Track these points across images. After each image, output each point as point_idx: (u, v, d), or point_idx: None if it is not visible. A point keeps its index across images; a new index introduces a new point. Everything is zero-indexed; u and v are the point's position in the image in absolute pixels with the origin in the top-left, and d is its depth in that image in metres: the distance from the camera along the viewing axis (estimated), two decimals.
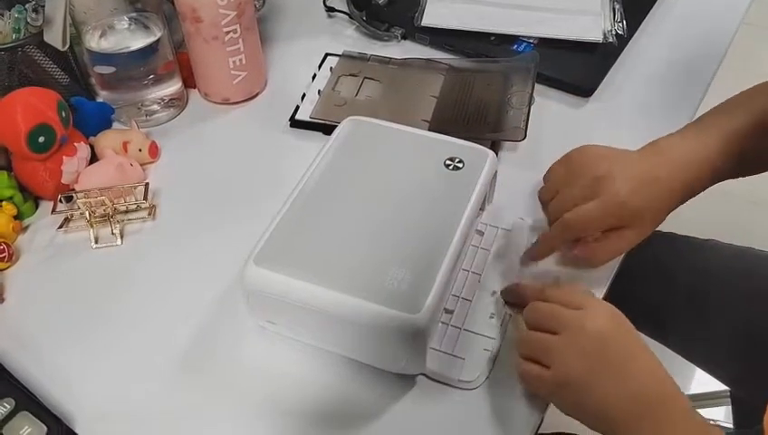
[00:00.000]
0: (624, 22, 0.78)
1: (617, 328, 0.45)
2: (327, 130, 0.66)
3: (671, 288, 0.73)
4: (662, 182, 0.53)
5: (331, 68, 0.74)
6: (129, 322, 0.54)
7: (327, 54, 0.76)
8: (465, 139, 0.56)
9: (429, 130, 0.63)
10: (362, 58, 0.75)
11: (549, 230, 0.55)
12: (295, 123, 0.68)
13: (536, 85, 0.73)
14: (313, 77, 0.73)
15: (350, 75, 0.72)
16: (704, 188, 0.55)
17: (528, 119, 0.65)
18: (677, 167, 0.54)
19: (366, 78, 0.72)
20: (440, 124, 0.65)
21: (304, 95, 0.71)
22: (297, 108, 0.70)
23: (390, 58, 0.75)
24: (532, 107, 0.67)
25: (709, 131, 0.55)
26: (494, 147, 0.64)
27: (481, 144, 0.56)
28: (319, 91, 0.71)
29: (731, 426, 0.90)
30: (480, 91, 0.70)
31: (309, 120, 0.68)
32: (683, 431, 0.43)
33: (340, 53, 0.76)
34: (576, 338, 0.44)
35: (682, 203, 0.55)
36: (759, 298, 0.67)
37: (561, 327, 0.45)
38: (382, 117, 0.59)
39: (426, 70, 0.73)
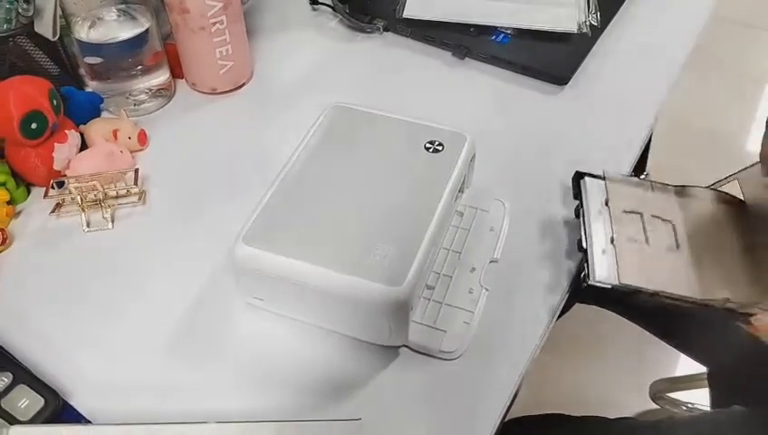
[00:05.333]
0: (598, 13, 0.81)
1: None
2: (627, 300, 0.50)
3: None
4: None
5: (606, 201, 0.55)
6: (122, 301, 0.55)
7: (581, 175, 0.57)
8: None
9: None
10: (632, 182, 0.57)
11: None
12: (589, 291, 0.49)
13: (513, 74, 0.76)
14: (577, 213, 0.53)
15: (633, 212, 0.55)
16: None
17: None
18: None
19: (651, 216, 0.55)
20: None
21: (585, 256, 0.50)
22: (587, 267, 0.48)
23: (662, 184, 0.58)
24: None
25: None
26: None
27: None
28: (612, 239, 0.51)
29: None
30: None
31: (616, 285, 0.48)
32: None
33: (600, 175, 0.57)
34: None
35: None
36: None
37: None
38: (709, 291, 0.47)
39: (717, 205, 0.56)
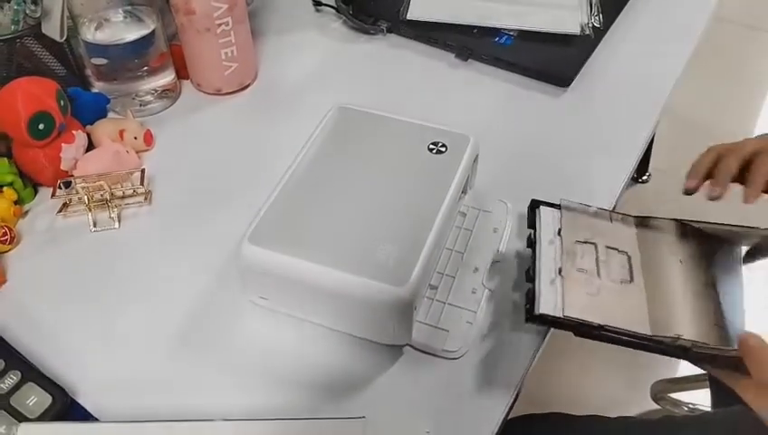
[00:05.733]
0: (601, 15, 0.81)
1: None
2: (578, 330, 0.47)
3: None
4: None
5: (559, 230, 0.53)
6: (128, 300, 0.56)
7: (537, 203, 0.56)
8: None
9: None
10: (589, 212, 0.55)
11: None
12: (537, 319, 0.47)
13: (516, 76, 0.77)
14: (530, 242, 0.52)
15: (586, 242, 0.53)
16: None
17: None
18: None
19: (607, 247, 0.52)
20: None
21: (533, 287, 0.49)
22: (533, 298, 0.48)
23: (620, 214, 0.56)
24: None
25: None
26: None
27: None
28: (560, 270, 0.50)
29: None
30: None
31: (560, 317, 0.47)
32: None
33: (556, 204, 0.56)
34: None
35: None
36: None
37: None
38: (660, 326, 0.46)
39: (680, 239, 0.53)
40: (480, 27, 0.80)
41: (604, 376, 1.21)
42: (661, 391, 1.21)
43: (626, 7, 0.85)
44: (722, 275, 0.50)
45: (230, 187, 0.65)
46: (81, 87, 0.72)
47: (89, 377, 0.51)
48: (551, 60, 0.76)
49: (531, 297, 0.47)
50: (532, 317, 0.47)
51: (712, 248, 0.52)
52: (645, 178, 1.62)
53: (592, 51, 0.78)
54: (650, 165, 1.60)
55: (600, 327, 0.46)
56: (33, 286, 0.57)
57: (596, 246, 0.52)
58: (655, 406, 1.21)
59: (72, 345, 0.53)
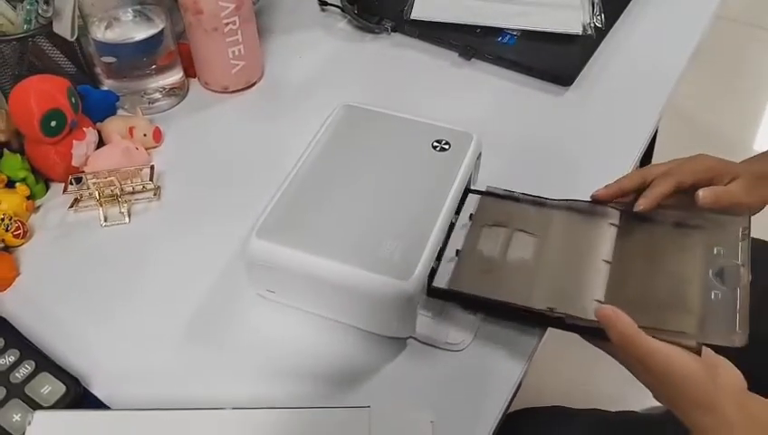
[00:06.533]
0: (602, 15, 0.82)
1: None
2: (467, 302, 0.53)
3: None
4: None
5: (471, 214, 0.57)
6: (138, 293, 0.57)
7: (468, 191, 0.58)
8: (660, 338, 0.44)
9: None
10: (511, 197, 0.59)
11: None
12: (432, 292, 0.52)
13: (519, 75, 0.78)
14: (451, 227, 0.55)
15: (496, 225, 0.56)
16: None
17: (748, 308, 0.46)
18: None
19: (517, 230, 0.56)
20: (619, 307, 0.46)
21: (440, 256, 0.53)
22: (434, 271, 0.52)
23: (545, 199, 0.58)
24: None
25: None
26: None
27: (683, 344, 0.44)
28: (458, 251, 0.54)
29: None
30: (670, 254, 0.52)
31: (447, 289, 0.52)
32: None
33: (483, 190, 0.59)
34: None
35: None
36: None
37: None
38: (540, 299, 0.50)
39: (592, 218, 0.56)
40: (483, 27, 0.81)
41: (606, 372, 1.22)
42: None
43: (628, 7, 0.86)
44: (632, 251, 0.53)
45: (237, 183, 0.67)
46: (91, 85, 0.73)
47: (101, 367, 0.52)
48: (553, 59, 0.77)
49: (430, 274, 0.51)
50: (429, 290, 0.51)
51: (631, 226, 0.55)
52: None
53: (594, 50, 0.79)
54: (652, 162, 1.61)
55: (478, 298, 0.51)
56: (45, 279, 0.58)
57: (505, 229, 0.56)
58: (656, 403, 1.22)
59: (83, 337, 0.54)
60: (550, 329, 0.54)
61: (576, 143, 0.70)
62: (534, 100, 0.75)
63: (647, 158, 1.57)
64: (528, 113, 0.73)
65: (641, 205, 0.54)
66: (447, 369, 0.52)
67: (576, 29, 0.79)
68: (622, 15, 0.85)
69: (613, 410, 0.70)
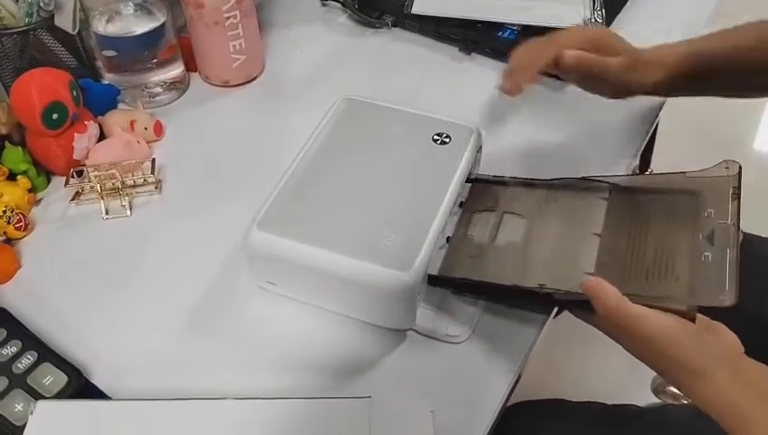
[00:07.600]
0: (603, 10, 0.82)
1: None
2: (460, 287, 0.54)
3: None
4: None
5: (461, 202, 0.58)
6: (140, 285, 0.58)
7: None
8: (649, 305, 0.44)
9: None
10: (499, 182, 0.59)
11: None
12: (430, 280, 0.52)
13: None
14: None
15: (486, 211, 0.57)
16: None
17: (737, 268, 0.44)
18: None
19: (505, 213, 0.56)
20: (608, 278, 0.46)
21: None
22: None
23: (534, 180, 0.58)
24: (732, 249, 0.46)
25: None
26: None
27: (674, 309, 0.44)
28: (448, 238, 0.55)
29: None
30: (660, 222, 0.51)
31: (438, 275, 0.52)
32: None
33: (473, 179, 0.59)
34: None
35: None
36: None
37: None
38: (531, 278, 0.50)
39: (581, 194, 0.56)
40: (484, 21, 0.81)
41: (605, 368, 1.22)
42: (662, 384, 1.22)
43: (627, 3, 0.86)
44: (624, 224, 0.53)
45: (238, 176, 0.67)
46: (92, 78, 0.73)
47: (102, 358, 0.52)
48: None
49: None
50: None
51: (621, 201, 0.55)
52: (647, 174, 1.63)
53: None
54: (652, 158, 1.61)
55: (468, 281, 0.52)
56: (46, 272, 0.59)
57: (494, 213, 0.57)
58: (655, 400, 1.22)
59: (84, 328, 0.54)
60: (548, 323, 0.54)
61: (576, 138, 0.70)
62: (534, 94, 0.75)
63: (647, 153, 1.58)
64: (528, 108, 0.73)
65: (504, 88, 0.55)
66: (447, 361, 0.52)
67: (576, 24, 0.79)
68: (623, 11, 0.85)
69: (611, 403, 0.71)
